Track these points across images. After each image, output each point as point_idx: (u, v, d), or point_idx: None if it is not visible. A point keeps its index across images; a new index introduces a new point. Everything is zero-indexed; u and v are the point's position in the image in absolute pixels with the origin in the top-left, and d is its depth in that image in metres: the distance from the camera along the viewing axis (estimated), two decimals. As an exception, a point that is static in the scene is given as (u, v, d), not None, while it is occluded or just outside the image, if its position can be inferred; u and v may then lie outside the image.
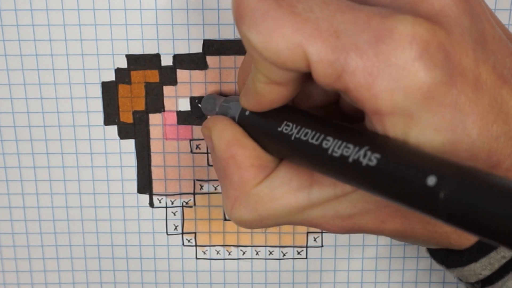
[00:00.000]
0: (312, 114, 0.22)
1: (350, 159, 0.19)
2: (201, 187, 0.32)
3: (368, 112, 0.19)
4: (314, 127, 0.21)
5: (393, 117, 0.19)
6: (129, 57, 0.30)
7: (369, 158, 0.18)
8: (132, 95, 0.30)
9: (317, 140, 0.20)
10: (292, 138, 0.21)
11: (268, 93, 0.21)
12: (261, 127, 0.23)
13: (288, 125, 0.22)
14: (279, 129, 0.22)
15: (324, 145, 0.20)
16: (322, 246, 0.33)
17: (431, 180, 0.17)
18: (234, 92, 0.30)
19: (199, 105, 0.30)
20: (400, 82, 0.18)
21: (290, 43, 0.19)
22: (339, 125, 0.21)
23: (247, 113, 0.24)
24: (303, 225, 0.24)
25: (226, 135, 0.24)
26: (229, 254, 0.33)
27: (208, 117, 0.27)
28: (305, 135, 0.21)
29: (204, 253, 0.33)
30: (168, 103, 0.31)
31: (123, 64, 0.30)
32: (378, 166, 0.18)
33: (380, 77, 0.18)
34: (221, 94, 0.30)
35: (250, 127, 0.24)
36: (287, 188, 0.23)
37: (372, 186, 0.19)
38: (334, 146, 0.20)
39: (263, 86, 0.21)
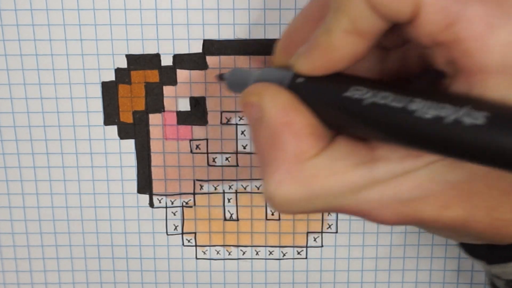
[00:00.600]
0: (382, 79, 0.20)
1: (448, 120, 0.16)
2: (201, 187, 0.32)
3: (472, 69, 0.17)
4: (395, 90, 0.18)
5: (499, 76, 0.17)
6: (129, 57, 0.30)
7: (475, 117, 0.16)
8: (132, 95, 0.30)
9: (399, 102, 0.18)
10: (365, 103, 0.19)
11: (343, 47, 0.19)
12: (320, 95, 0.20)
13: (358, 89, 0.19)
14: (346, 94, 0.19)
15: (410, 107, 0.17)
16: (322, 246, 0.33)
17: None
18: (234, 93, 0.30)
19: (222, 79, 0.27)
20: None
21: None
22: (423, 88, 0.18)
23: (300, 79, 0.21)
24: (354, 211, 0.21)
25: (282, 99, 0.21)
26: (229, 254, 0.33)
27: (254, 84, 0.23)
28: (383, 98, 0.18)
29: (204, 253, 0.33)
30: (168, 103, 0.31)
31: (123, 64, 0.30)
32: (488, 124, 0.16)
33: (500, 28, 0.17)
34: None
35: (304, 96, 0.21)
36: (346, 162, 0.20)
37: (477, 150, 0.16)
38: (424, 107, 0.17)
39: (342, 36, 0.19)
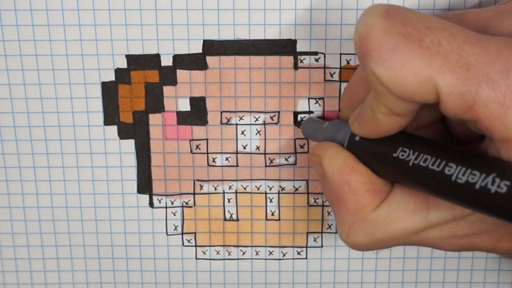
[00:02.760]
0: (427, 138, 0.23)
1: (477, 186, 0.19)
2: (201, 187, 0.32)
3: (496, 140, 0.19)
4: (434, 153, 0.21)
5: None
6: (129, 57, 0.30)
7: (498, 185, 0.19)
8: (132, 95, 0.30)
9: (438, 166, 0.21)
10: (410, 164, 0.22)
11: (387, 123, 0.22)
12: (373, 152, 0.24)
13: (405, 151, 0.22)
14: (395, 154, 0.22)
15: (446, 171, 0.20)
16: (322, 246, 0.33)
17: None
18: (234, 92, 0.30)
19: (299, 126, 0.31)
20: None
21: (420, 77, 0.19)
22: (458, 150, 0.21)
23: (357, 138, 0.24)
24: (418, 245, 0.24)
25: (338, 161, 0.24)
26: (229, 254, 0.33)
27: (315, 143, 0.28)
28: (424, 161, 0.21)
29: (204, 253, 0.33)
30: (168, 103, 0.31)
31: (123, 64, 0.30)
32: (508, 193, 0.18)
33: None
34: (320, 117, 0.30)
35: (360, 152, 0.24)
36: (404, 212, 0.23)
37: (501, 213, 0.19)
38: (458, 173, 0.20)
39: (384, 116, 0.22)
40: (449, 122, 0.25)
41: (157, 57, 0.30)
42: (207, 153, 0.31)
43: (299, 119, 0.30)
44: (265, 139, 0.31)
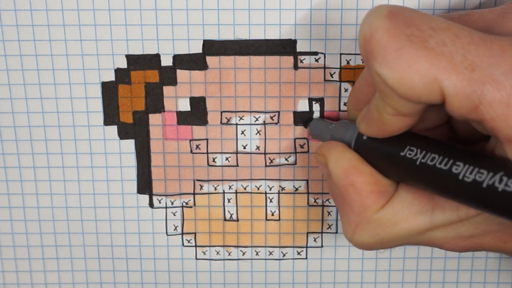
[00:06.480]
0: (434, 138, 0.23)
1: (484, 184, 0.19)
2: (201, 187, 0.32)
3: (503, 140, 0.20)
4: (441, 152, 0.21)
5: None
6: (129, 57, 0.30)
7: (506, 184, 0.19)
8: (132, 95, 0.30)
9: (445, 165, 0.21)
10: (417, 162, 0.22)
11: (394, 123, 0.22)
12: (381, 152, 0.24)
13: (412, 150, 0.22)
14: (402, 153, 0.22)
15: (454, 170, 0.20)
16: (322, 246, 0.33)
17: None
18: (234, 92, 0.30)
19: (306, 127, 0.30)
20: None
21: (425, 78, 0.19)
22: (466, 149, 0.21)
23: (364, 137, 0.24)
24: (423, 245, 0.24)
25: (343, 162, 0.25)
26: (229, 254, 0.33)
27: (321, 143, 0.28)
28: (431, 160, 0.21)
29: (204, 253, 0.33)
30: (168, 103, 0.31)
31: (123, 64, 0.30)
32: None
33: None
34: (327, 118, 0.30)
35: (367, 152, 0.24)
36: (408, 212, 0.23)
37: (508, 211, 0.19)
38: (466, 171, 0.20)
39: (390, 117, 0.22)
40: (455, 124, 0.26)
41: (157, 57, 0.30)
42: (207, 153, 0.31)
43: (306, 119, 0.30)
44: (265, 139, 0.31)
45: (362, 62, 0.30)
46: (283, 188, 0.32)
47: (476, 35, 0.20)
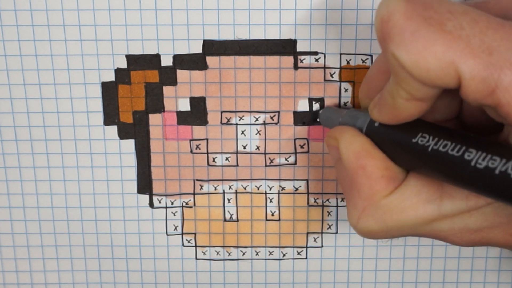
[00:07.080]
0: (445, 127, 0.23)
1: (497, 171, 0.19)
2: (201, 187, 0.32)
3: None
4: (454, 139, 0.21)
5: None
6: (129, 57, 0.30)
7: None
8: (132, 95, 0.30)
9: (458, 151, 0.20)
10: (429, 149, 0.22)
11: (407, 109, 0.22)
12: (392, 139, 0.24)
13: (424, 137, 0.22)
14: (414, 140, 0.22)
15: (466, 156, 0.20)
16: (322, 246, 0.33)
17: None
18: (234, 92, 0.30)
19: (317, 119, 0.30)
20: None
21: (441, 61, 0.19)
22: (478, 137, 0.21)
23: (376, 124, 0.24)
24: (428, 237, 0.24)
25: (355, 145, 0.24)
26: (229, 254, 0.33)
27: (334, 127, 0.27)
28: (444, 147, 0.21)
29: (204, 253, 0.33)
30: (168, 103, 0.31)
31: (123, 64, 0.30)
32: None
33: None
34: (338, 106, 0.30)
35: (379, 138, 0.24)
36: (417, 200, 0.23)
37: None
38: (478, 158, 0.20)
39: (404, 102, 0.22)
40: (465, 118, 0.25)
41: (157, 57, 0.30)
42: (207, 153, 0.31)
43: (315, 108, 0.30)
44: (265, 139, 0.31)
45: (363, 62, 0.30)
46: (283, 188, 0.32)
47: (493, 20, 0.20)
